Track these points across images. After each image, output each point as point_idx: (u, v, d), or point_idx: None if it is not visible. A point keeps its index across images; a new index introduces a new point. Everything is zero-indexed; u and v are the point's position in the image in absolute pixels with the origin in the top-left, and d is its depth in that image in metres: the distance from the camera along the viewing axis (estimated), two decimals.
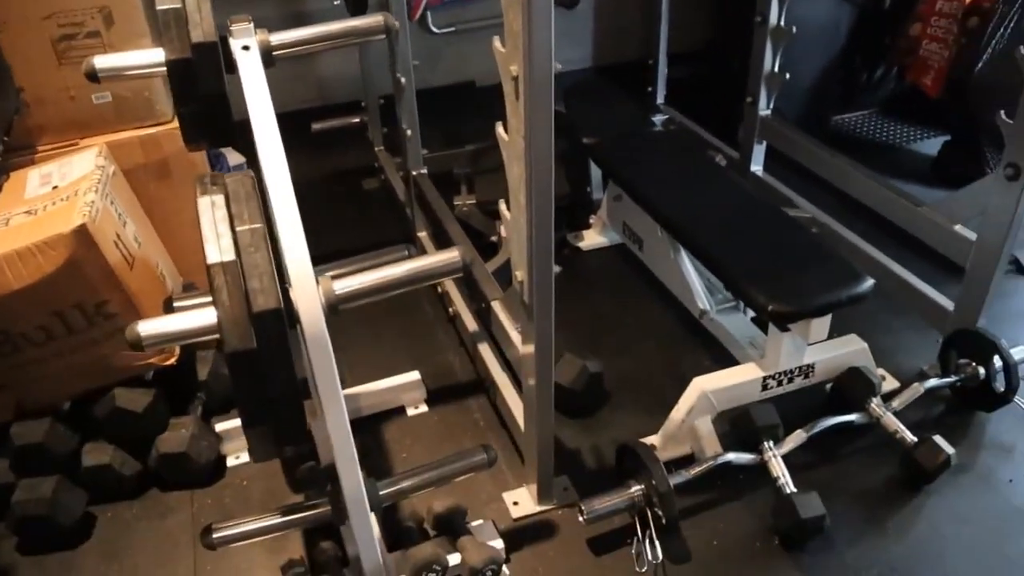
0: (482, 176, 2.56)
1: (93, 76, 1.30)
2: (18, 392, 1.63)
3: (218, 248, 1.02)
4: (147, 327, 1.10)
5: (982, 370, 1.73)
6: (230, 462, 1.75)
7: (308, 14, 2.79)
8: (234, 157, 2.30)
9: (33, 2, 1.64)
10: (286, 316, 1.04)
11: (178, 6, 1.24)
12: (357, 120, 2.80)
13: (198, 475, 1.69)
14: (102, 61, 1.30)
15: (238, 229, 1.04)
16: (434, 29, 3.06)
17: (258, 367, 1.02)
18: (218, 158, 2.27)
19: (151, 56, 1.30)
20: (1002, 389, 1.72)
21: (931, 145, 2.87)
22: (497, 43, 1.25)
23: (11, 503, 1.53)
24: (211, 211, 1.06)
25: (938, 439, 1.59)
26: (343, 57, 2.88)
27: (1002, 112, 1.62)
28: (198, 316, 1.09)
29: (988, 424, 1.77)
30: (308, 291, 1.08)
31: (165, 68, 1.27)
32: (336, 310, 1.15)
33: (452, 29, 3.09)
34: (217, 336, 1.11)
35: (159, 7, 1.24)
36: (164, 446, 1.65)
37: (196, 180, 1.13)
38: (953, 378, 1.76)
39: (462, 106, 3.15)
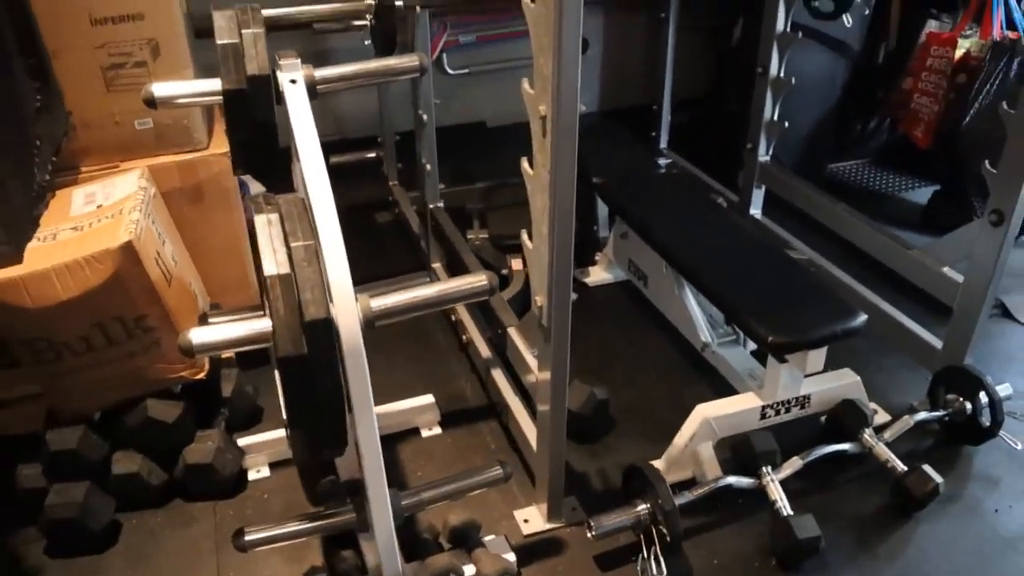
0: (494, 212, 2.67)
1: (151, 102, 1.39)
2: (54, 400, 1.71)
3: (275, 262, 1.12)
4: (199, 334, 1.19)
5: (969, 405, 1.83)
6: (251, 476, 1.83)
7: (331, 51, 2.91)
8: (255, 186, 2.40)
9: (87, 32, 1.75)
10: None
11: (236, 41, 1.35)
12: (373, 155, 2.92)
13: (222, 487, 1.76)
14: (160, 89, 1.40)
15: (292, 245, 1.14)
16: (449, 70, 3.20)
17: (307, 372, 1.11)
18: (242, 185, 2.37)
19: (206, 86, 1.41)
20: (988, 424, 1.82)
21: (922, 194, 3.00)
22: (526, 85, 1.36)
23: (44, 506, 1.60)
24: (267, 228, 1.16)
25: (927, 468, 1.68)
26: (361, 94, 3.01)
27: (987, 162, 1.74)
28: (250, 325, 1.19)
29: (975, 457, 1.86)
30: (347, 307, 1.18)
31: (220, 97, 1.38)
32: (372, 325, 1.25)
33: (466, 71, 3.22)
34: (261, 345, 1.21)
35: (219, 41, 1.35)
36: (191, 457, 1.72)
37: (251, 200, 1.23)
38: (941, 412, 1.86)
39: (473, 145, 3.27)
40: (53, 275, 1.52)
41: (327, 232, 1.21)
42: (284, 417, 1.23)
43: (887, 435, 1.78)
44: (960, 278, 1.90)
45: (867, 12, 2.83)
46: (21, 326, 1.56)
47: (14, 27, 1.63)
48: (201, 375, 1.76)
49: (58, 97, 1.76)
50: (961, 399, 1.85)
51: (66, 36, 1.74)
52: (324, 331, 1.12)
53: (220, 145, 1.97)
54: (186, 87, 1.45)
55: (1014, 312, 2.35)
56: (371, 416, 1.24)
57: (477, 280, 1.36)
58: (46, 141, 1.72)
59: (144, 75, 1.81)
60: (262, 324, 1.18)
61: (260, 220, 1.17)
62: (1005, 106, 1.71)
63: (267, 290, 1.13)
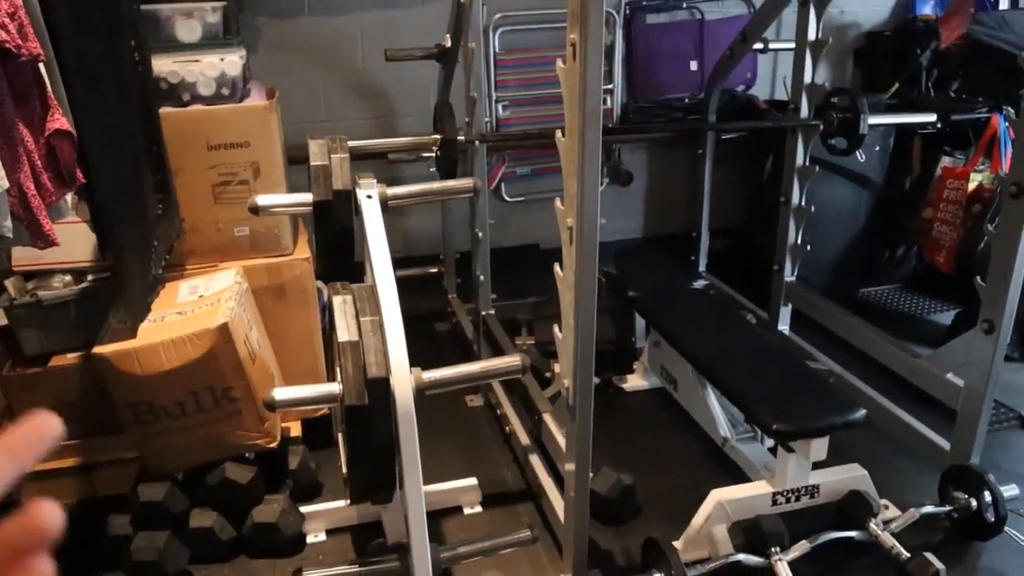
0: (540, 322, 2.93)
1: (255, 210, 1.73)
2: (146, 458, 1.97)
3: (347, 331, 1.39)
4: (281, 392, 1.46)
5: (974, 502, 1.95)
6: (309, 539, 2.04)
7: (403, 179, 3.30)
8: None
9: (203, 155, 2.13)
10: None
11: (326, 163, 1.69)
12: (435, 270, 3.25)
13: (283, 545, 1.98)
14: (263, 199, 1.73)
15: (362, 319, 1.41)
16: (506, 197, 3.56)
17: (367, 421, 1.36)
18: (319, 292, 2.70)
19: (299, 198, 1.74)
20: (992, 519, 1.93)
21: (948, 317, 3.16)
22: (559, 203, 1.65)
23: (129, 549, 1.84)
24: (343, 307, 1.44)
25: (929, 555, 1.80)
26: (427, 217, 3.37)
27: (977, 277, 1.94)
28: (321, 388, 1.45)
29: (983, 552, 1.96)
30: (402, 373, 1.43)
31: (310, 208, 1.70)
32: (423, 394, 1.49)
33: (522, 199, 3.58)
34: (329, 404, 1.47)
35: (313, 163, 1.69)
36: (259, 516, 1.95)
37: (330, 286, 1.52)
38: (948, 508, 1.98)
39: (527, 264, 3.57)
40: (160, 348, 1.82)
41: (389, 313, 1.48)
42: (344, 463, 1.47)
43: (894, 525, 1.91)
44: (962, 383, 2.06)
45: (877, 148, 3.10)
46: (129, 390, 1.85)
47: (148, 150, 2.01)
48: (273, 444, 2.01)
49: (175, 206, 2.12)
50: (967, 496, 1.97)
51: (187, 158, 2.12)
52: (383, 388, 1.37)
53: (303, 252, 2.30)
54: (283, 199, 1.79)
55: None
56: (418, 471, 1.47)
57: (512, 360, 1.61)
58: (163, 242, 2.07)
59: (246, 191, 2.17)
60: (331, 387, 1.45)
61: (338, 300, 1.46)
62: (990, 227, 1.93)
63: (339, 354, 1.39)
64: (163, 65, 2.11)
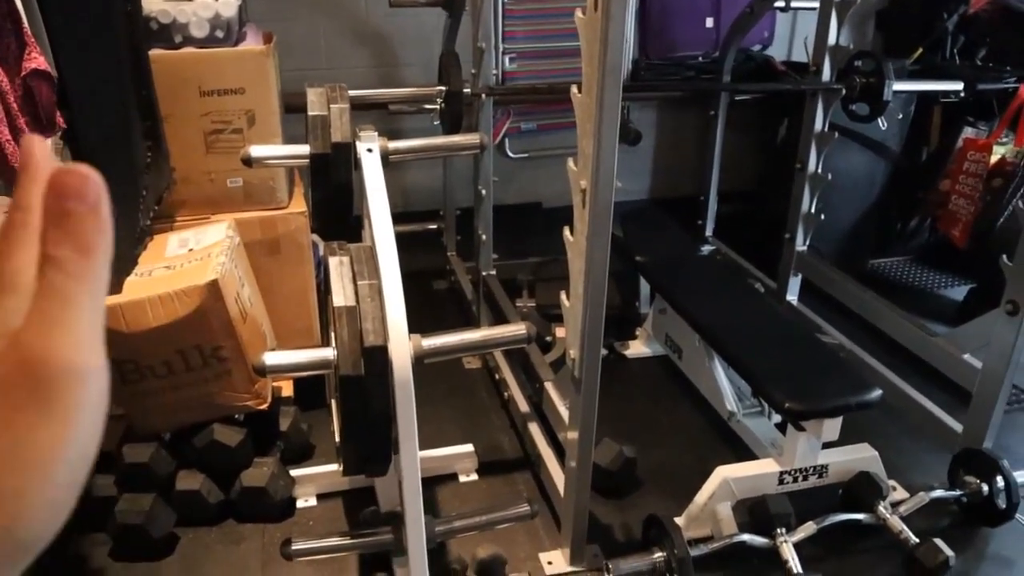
0: (542, 283, 2.85)
1: (248, 161, 1.63)
2: (132, 418, 1.90)
3: (343, 296, 1.30)
4: (272, 357, 1.38)
5: (985, 487, 1.90)
6: (300, 504, 1.98)
7: (405, 131, 3.19)
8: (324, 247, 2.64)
9: (196, 101, 2.02)
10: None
11: (325, 113, 1.58)
12: (434, 227, 3.15)
13: (272, 510, 1.92)
14: (257, 150, 1.63)
15: (359, 283, 1.32)
16: (510, 154, 3.45)
17: (362, 392, 1.28)
18: (314, 246, 2.61)
19: (295, 150, 1.64)
20: (1004, 506, 1.87)
21: (960, 292, 3.09)
22: (571, 163, 1.55)
23: (114, 511, 1.78)
24: (339, 268, 1.35)
25: (938, 541, 1.74)
26: (427, 172, 3.27)
27: (1004, 256, 1.86)
28: (315, 353, 1.37)
29: (992, 538, 1.91)
30: (401, 341, 1.35)
31: (307, 160, 1.60)
32: (422, 361, 1.41)
33: (526, 155, 3.47)
34: (323, 371, 1.39)
35: (310, 113, 1.59)
36: (248, 480, 1.89)
37: (327, 246, 1.43)
38: (958, 492, 1.92)
39: (529, 223, 3.48)
40: (147, 304, 1.74)
41: (388, 276, 1.39)
42: (337, 433, 1.39)
43: (903, 509, 1.86)
44: (979, 364, 1.99)
45: (900, 116, 2.99)
46: (114, 348, 1.76)
47: (137, 95, 1.90)
48: (264, 406, 1.94)
49: (165, 155, 2.02)
50: (978, 481, 1.91)
51: (178, 104, 2.01)
52: (380, 357, 1.29)
53: (299, 205, 2.20)
54: (278, 150, 1.68)
55: None
56: (414, 442, 1.40)
57: (517, 328, 1.53)
58: (151, 192, 1.96)
59: (240, 141, 2.07)
60: (326, 353, 1.36)
61: (334, 261, 1.37)
62: (1021, 204, 1.83)
63: (334, 320, 1.31)
64: (153, 3, 1.99)
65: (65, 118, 1.53)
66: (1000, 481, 1.87)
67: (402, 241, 3.17)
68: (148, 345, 1.77)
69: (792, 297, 2.79)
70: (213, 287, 1.77)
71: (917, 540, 1.77)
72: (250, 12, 2.37)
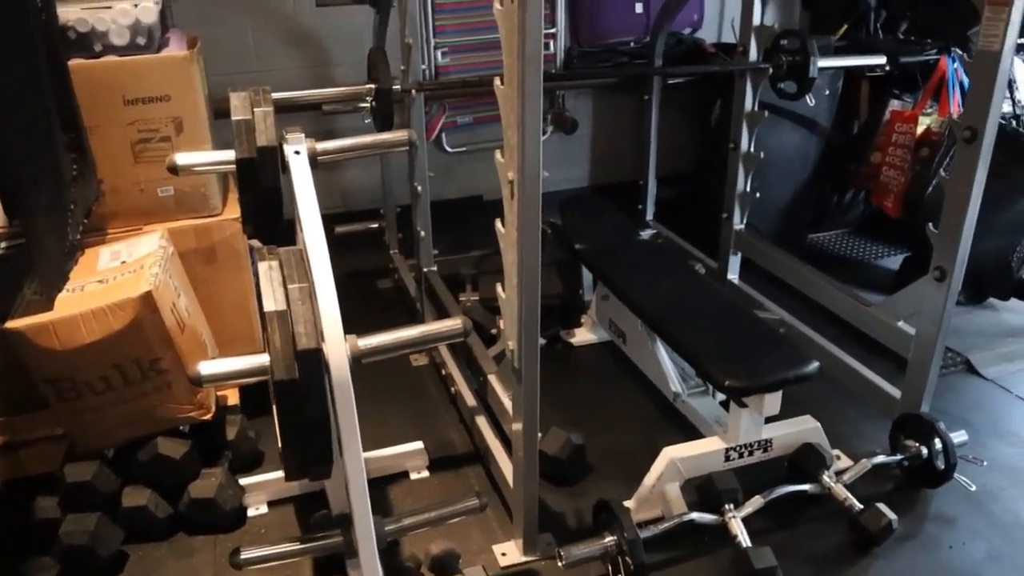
0: (485, 276, 2.85)
1: (174, 169, 1.60)
2: (73, 436, 1.86)
3: (273, 300, 1.29)
4: (208, 367, 1.36)
5: (924, 450, 1.95)
6: (251, 512, 1.96)
7: (341, 131, 3.15)
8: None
9: (120, 111, 1.98)
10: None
11: (248, 117, 1.56)
12: (375, 226, 3.13)
13: (223, 521, 1.89)
14: (182, 158, 1.60)
15: (289, 287, 1.31)
16: (448, 148, 3.44)
17: (298, 396, 1.27)
18: (252, 251, 2.57)
19: (222, 156, 1.62)
20: (942, 467, 1.93)
21: (895, 261, 3.17)
22: (499, 155, 1.56)
23: (58, 534, 1.74)
24: (269, 273, 1.33)
25: (881, 506, 1.80)
26: (365, 169, 3.24)
27: (930, 224, 1.91)
28: (251, 360, 1.35)
29: (933, 499, 1.97)
30: (337, 342, 1.34)
31: (233, 165, 1.58)
32: (359, 361, 1.41)
33: (463, 149, 3.46)
34: (261, 378, 1.37)
35: (234, 117, 1.56)
36: (196, 491, 1.86)
37: (256, 251, 1.41)
38: (899, 456, 1.98)
39: (471, 217, 3.47)
40: (80, 320, 1.70)
41: (320, 277, 1.38)
42: (278, 438, 1.38)
43: (846, 477, 1.90)
44: (913, 331, 2.04)
45: (827, 92, 3.05)
46: (48, 366, 1.73)
47: (58, 107, 1.85)
48: (208, 416, 1.92)
49: (92, 167, 1.97)
50: (917, 444, 1.97)
51: (102, 114, 1.97)
52: (314, 360, 1.28)
53: (233, 211, 2.17)
54: (204, 156, 1.66)
55: (978, 367, 2.48)
56: (357, 443, 1.39)
57: (454, 323, 1.52)
58: (79, 205, 1.92)
59: (168, 148, 2.03)
60: (262, 359, 1.35)
61: (263, 266, 1.35)
62: (943, 172, 1.89)
63: (266, 325, 1.29)
64: (70, 12, 1.94)
65: None
66: (938, 443, 1.93)
67: (344, 241, 3.16)
68: (84, 361, 1.73)
69: (733, 276, 2.84)
70: (147, 299, 1.73)
71: (861, 506, 1.81)
72: (174, 17, 2.32)
